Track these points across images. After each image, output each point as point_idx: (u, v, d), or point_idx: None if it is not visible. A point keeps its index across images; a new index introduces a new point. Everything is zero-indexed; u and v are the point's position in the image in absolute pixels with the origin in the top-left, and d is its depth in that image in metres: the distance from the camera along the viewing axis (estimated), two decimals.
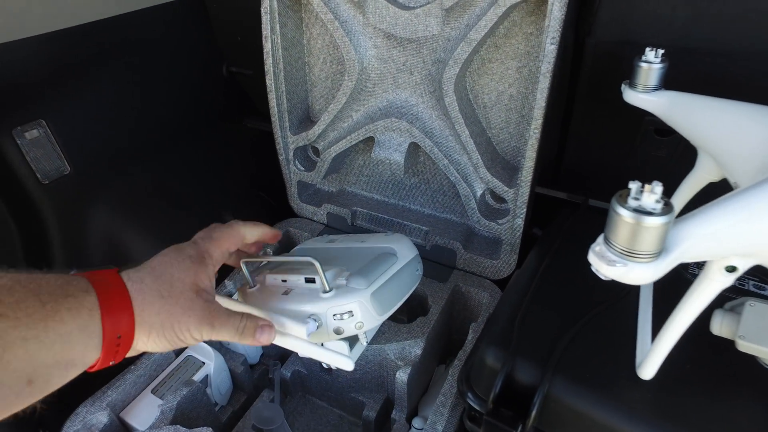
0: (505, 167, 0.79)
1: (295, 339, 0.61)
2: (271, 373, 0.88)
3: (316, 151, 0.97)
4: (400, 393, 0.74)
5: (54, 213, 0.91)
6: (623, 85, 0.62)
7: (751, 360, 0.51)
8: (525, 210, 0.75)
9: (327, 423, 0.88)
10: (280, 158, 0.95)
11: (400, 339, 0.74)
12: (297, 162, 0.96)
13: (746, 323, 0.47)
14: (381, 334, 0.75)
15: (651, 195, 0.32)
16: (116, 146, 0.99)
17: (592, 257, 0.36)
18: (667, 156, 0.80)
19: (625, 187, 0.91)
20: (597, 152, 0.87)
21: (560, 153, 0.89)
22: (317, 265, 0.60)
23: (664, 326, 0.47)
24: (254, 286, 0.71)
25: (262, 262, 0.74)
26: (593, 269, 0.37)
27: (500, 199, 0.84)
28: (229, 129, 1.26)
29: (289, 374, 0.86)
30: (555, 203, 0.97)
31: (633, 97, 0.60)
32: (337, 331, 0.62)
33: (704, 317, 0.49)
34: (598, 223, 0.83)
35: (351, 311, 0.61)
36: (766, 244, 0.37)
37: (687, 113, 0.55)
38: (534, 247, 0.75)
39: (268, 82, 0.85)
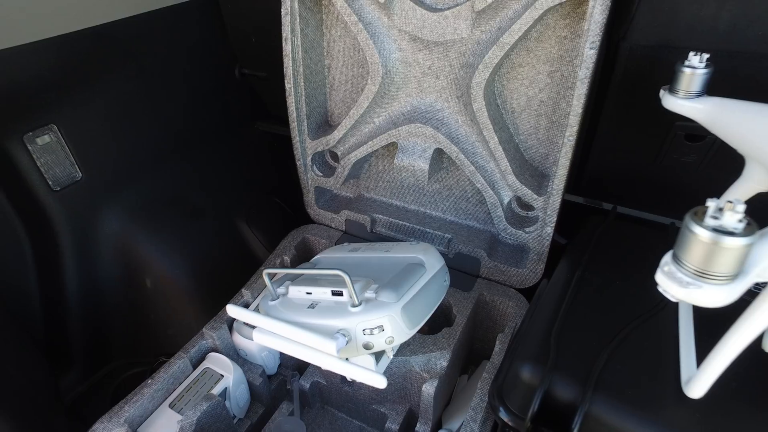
0: (533, 174, 0.77)
1: (323, 354, 0.59)
2: (289, 384, 0.86)
3: (334, 156, 0.94)
4: (425, 406, 0.72)
5: (65, 221, 0.89)
6: (662, 91, 0.59)
7: None
8: (555, 218, 0.73)
9: None
10: (298, 163, 0.93)
11: (425, 351, 0.72)
12: (315, 167, 0.93)
13: None
14: (406, 346, 0.73)
15: (733, 214, 0.30)
16: (128, 151, 0.97)
17: (660, 277, 0.34)
18: (696, 162, 0.78)
19: (650, 192, 0.88)
20: (622, 157, 0.85)
21: (584, 158, 0.87)
22: (347, 278, 0.58)
23: (719, 345, 0.45)
24: (276, 298, 0.69)
25: (285, 272, 0.71)
26: (661, 290, 0.35)
27: (527, 207, 0.81)
28: (241, 132, 1.23)
29: (308, 385, 0.84)
30: (575, 208, 0.95)
31: (673, 103, 0.58)
32: (367, 346, 0.60)
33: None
34: (628, 232, 0.80)
35: (381, 326, 0.59)
36: None
37: (734, 120, 0.53)
38: (563, 257, 0.73)
39: (287, 86, 0.83)
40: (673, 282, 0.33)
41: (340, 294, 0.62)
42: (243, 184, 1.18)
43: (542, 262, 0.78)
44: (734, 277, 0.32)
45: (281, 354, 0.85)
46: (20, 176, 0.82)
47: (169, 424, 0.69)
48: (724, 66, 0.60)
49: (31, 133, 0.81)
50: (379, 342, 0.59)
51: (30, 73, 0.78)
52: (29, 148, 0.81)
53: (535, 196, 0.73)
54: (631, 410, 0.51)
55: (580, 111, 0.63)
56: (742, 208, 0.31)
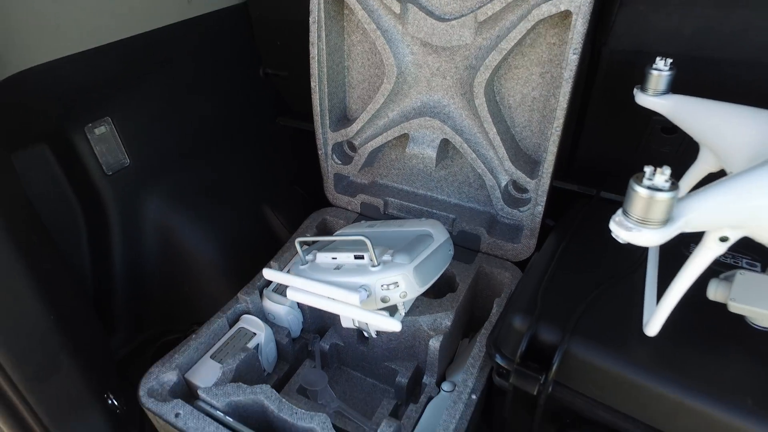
0: (527, 161, 0.88)
1: (348, 306, 0.71)
2: (311, 345, 0.97)
3: (351, 146, 1.06)
4: (431, 359, 0.83)
5: (115, 202, 1.01)
6: (635, 89, 0.71)
7: (739, 319, 0.60)
8: (545, 198, 0.85)
9: (361, 390, 0.97)
10: (320, 152, 1.05)
11: (432, 311, 0.83)
12: (335, 156, 1.05)
13: (737, 288, 0.57)
14: (415, 308, 0.84)
15: (661, 176, 0.42)
16: (168, 142, 1.09)
17: (612, 225, 0.46)
18: (671, 152, 0.89)
19: None
20: (608, 148, 0.96)
21: (574, 148, 0.99)
22: (368, 243, 0.69)
23: (668, 289, 0.56)
24: (306, 263, 0.81)
25: (313, 241, 0.83)
26: (613, 234, 0.46)
27: (522, 189, 0.93)
28: (265, 127, 1.36)
29: (327, 346, 0.96)
30: (567, 195, 1.07)
31: (644, 99, 0.69)
32: (384, 300, 0.71)
33: (702, 288, 0.59)
34: (609, 212, 0.93)
35: (396, 282, 0.70)
36: (753, 218, 0.46)
37: (691, 114, 0.65)
38: (552, 232, 0.85)
39: (312, 84, 0.95)
40: (621, 228, 0.45)
41: (362, 257, 0.74)
42: (267, 172, 1.30)
43: (534, 238, 0.90)
44: (664, 222, 0.43)
45: (304, 318, 0.97)
46: (80, 161, 0.94)
47: (212, 371, 0.81)
48: (688, 68, 0.71)
49: (90, 124, 0.93)
50: (394, 296, 0.70)
51: (93, 72, 0.91)
52: (88, 137, 0.94)
53: (528, 179, 0.85)
54: (601, 348, 0.62)
55: (565, 106, 0.75)
56: (668, 171, 0.42)
